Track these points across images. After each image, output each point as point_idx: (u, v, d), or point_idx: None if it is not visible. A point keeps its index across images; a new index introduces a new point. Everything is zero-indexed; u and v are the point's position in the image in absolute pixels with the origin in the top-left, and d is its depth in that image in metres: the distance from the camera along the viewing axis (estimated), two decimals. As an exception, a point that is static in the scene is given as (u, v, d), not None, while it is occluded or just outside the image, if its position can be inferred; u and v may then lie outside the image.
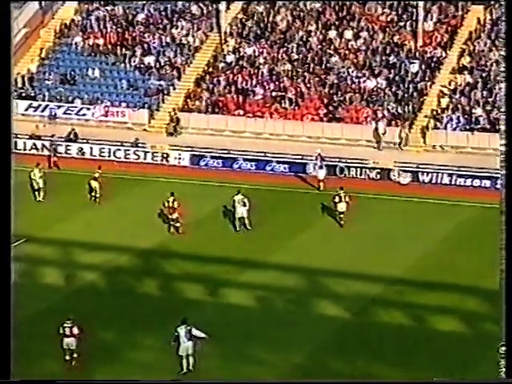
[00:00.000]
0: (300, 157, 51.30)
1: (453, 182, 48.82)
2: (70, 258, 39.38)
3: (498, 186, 47.93)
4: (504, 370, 21.56)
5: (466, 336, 32.89)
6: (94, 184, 45.13)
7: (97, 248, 39.97)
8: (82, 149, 53.75)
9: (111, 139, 54.36)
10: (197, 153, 52.75)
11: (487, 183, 48.31)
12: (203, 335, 29.32)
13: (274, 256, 39.26)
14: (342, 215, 42.30)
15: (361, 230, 42.33)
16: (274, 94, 56.17)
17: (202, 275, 37.43)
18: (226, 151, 52.61)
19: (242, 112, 55.73)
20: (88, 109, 57.91)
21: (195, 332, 29.20)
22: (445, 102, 53.85)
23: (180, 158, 52.89)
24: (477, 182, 48.56)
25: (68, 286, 36.90)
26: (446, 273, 37.42)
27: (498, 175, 48.03)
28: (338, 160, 50.34)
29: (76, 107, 58.17)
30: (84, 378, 28.79)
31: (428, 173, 49.37)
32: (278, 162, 51.35)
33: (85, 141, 54.41)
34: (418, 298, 35.35)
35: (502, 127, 22.41)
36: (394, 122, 53.41)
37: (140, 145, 53.89)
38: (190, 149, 53.13)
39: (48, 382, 23.72)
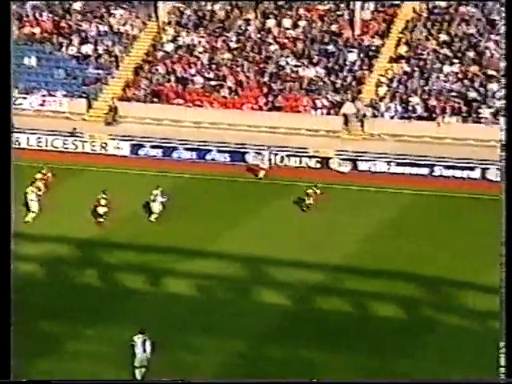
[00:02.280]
0: (240, 146, 51.36)
1: (391, 170, 49.27)
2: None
3: (436, 174, 48.66)
4: (504, 369, 21.74)
5: (405, 322, 33.29)
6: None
7: (35, 239, 39.58)
8: (18, 139, 53.12)
9: (48, 129, 53.85)
10: (136, 142, 52.51)
11: (425, 171, 48.85)
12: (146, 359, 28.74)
13: (215, 245, 39.30)
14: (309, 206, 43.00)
15: (301, 219, 42.59)
16: (213, 82, 56.13)
17: (141, 265, 37.33)
18: (165, 140, 52.45)
19: (181, 101, 55.61)
20: (24, 98, 57.27)
21: (148, 344, 28.64)
22: (382, 90, 54.31)
23: (119, 148, 52.61)
24: (414, 170, 49.07)
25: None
26: (385, 260, 37.80)
27: (435, 162, 48.79)
28: (274, 149, 50.51)
29: (12, 97, 57.31)
30: (26, 370, 28.55)
31: (367, 161, 49.77)
32: (219, 151, 51.35)
33: (21, 131, 53.79)
34: (357, 285, 35.65)
35: (502, 121, 22.50)
36: (332, 111, 53.73)
37: (78, 134, 53.48)
38: (129, 138, 52.88)
39: (48, 381, 23.56)
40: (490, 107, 51.84)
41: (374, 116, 53.28)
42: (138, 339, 28.69)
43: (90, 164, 50.32)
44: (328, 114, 53.74)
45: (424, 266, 37.01)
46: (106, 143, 52.73)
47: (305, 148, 50.89)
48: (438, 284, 35.77)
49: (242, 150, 51.05)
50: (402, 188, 46.38)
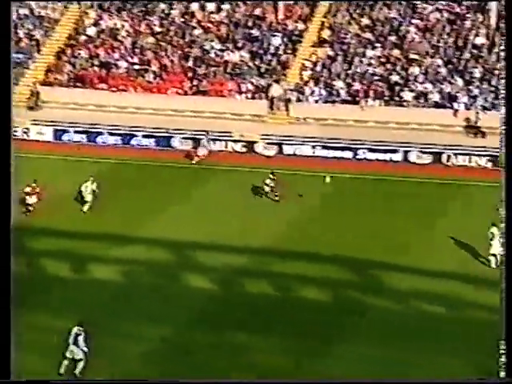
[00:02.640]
0: (165, 130, 51.21)
1: (316, 154, 49.61)
2: None
3: (359, 157, 49.12)
4: (504, 369, 21.33)
5: (330, 304, 33.59)
6: None
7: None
8: None
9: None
10: (59, 127, 51.96)
11: (349, 154, 49.29)
12: (83, 350, 27.96)
13: (141, 230, 39.17)
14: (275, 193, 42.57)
15: (226, 203, 42.66)
16: (137, 67, 55.78)
17: (68, 252, 37.04)
18: (89, 125, 52.01)
19: (105, 86, 55.18)
20: None
21: (80, 340, 27.97)
22: (307, 74, 54.57)
23: (42, 133, 52.03)
24: (339, 154, 49.46)
25: None
26: (311, 243, 38.06)
27: (359, 145, 49.29)
28: (203, 134, 50.44)
29: None
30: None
31: (292, 145, 50.02)
32: (144, 136, 51.13)
33: None
34: (284, 268, 35.87)
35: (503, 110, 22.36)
36: (257, 95, 53.83)
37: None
38: (52, 123, 52.28)
39: (48, 381, 23.31)
40: (411, 91, 52.45)
41: (299, 100, 53.52)
42: (73, 331, 28.24)
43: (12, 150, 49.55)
44: (253, 98, 53.83)
45: (348, 248, 37.39)
46: (28, 128, 52.08)
47: (230, 132, 50.93)
48: (362, 266, 36.18)
49: (167, 135, 50.91)
50: (326, 172, 46.68)
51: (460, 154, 48.49)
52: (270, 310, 32.76)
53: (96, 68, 56.00)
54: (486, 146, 48.85)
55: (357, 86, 53.18)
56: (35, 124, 52.37)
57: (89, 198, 41.27)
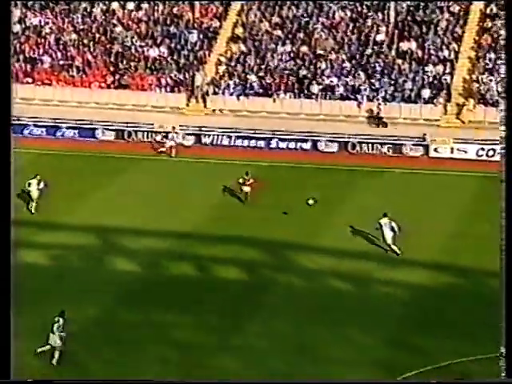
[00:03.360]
0: (89, 122, 50.73)
1: (232, 143, 49.69)
2: None
3: (272, 146, 49.37)
4: (504, 369, 20.62)
5: (247, 283, 33.78)
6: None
7: None
8: None
9: None
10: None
11: (262, 143, 49.50)
12: (59, 339, 27.49)
13: (68, 216, 38.73)
14: (247, 195, 40.82)
15: (150, 191, 42.47)
16: (61, 62, 55.02)
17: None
18: (15, 118, 51.03)
19: (30, 80, 54.31)
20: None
21: (55, 329, 27.49)
22: (222, 69, 54.55)
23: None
24: (253, 143, 49.64)
25: None
26: (229, 226, 38.13)
27: (271, 135, 49.51)
28: (125, 125, 50.14)
29: None
30: None
31: (209, 135, 50.01)
32: (68, 128, 50.52)
33: None
34: (203, 251, 35.87)
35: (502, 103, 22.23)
36: (176, 89, 53.64)
37: None
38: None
39: (48, 381, 22.44)
40: (319, 84, 52.84)
41: (215, 93, 53.48)
42: (56, 321, 27.63)
43: None
44: (172, 91, 53.61)
45: (264, 230, 37.59)
46: None
47: (151, 124, 50.67)
48: (276, 247, 36.40)
49: (91, 127, 50.45)
50: (241, 160, 46.83)
51: (364, 142, 49.05)
52: (190, 290, 32.78)
53: (21, 63, 55.04)
54: (388, 134, 49.64)
55: (269, 79, 53.37)
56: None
57: (35, 195, 39.84)
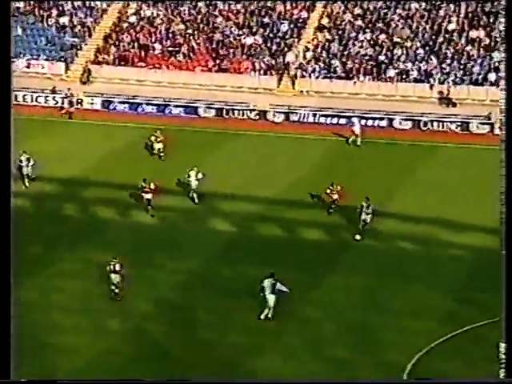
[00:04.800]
0: (193, 101, 51.10)
1: (316, 121, 49.39)
2: None
3: (355, 121, 48.69)
4: (504, 369, 18.80)
5: (327, 243, 33.67)
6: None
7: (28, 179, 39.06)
8: (8, 96, 51.80)
9: (33, 87, 52.89)
10: (106, 98, 51.83)
11: (343, 121, 49.03)
12: (285, 289, 26.99)
13: (171, 184, 39.14)
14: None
15: (245, 160, 42.54)
16: (170, 49, 55.43)
17: (113, 200, 37.12)
18: (131, 97, 51.91)
19: (143, 64, 54.92)
20: (12, 62, 55.78)
21: (279, 286, 26.99)
22: (309, 55, 54.13)
23: (93, 103, 51.93)
24: (335, 120, 49.23)
25: None
26: (313, 191, 37.93)
27: (352, 114, 49.01)
28: (224, 104, 50.35)
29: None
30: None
31: (297, 113, 49.81)
32: (175, 106, 51.01)
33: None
34: (289, 214, 35.87)
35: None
36: (268, 72, 53.53)
37: (58, 92, 52.57)
38: (100, 95, 52.14)
39: (48, 381, 20.08)
40: (395, 68, 52.00)
41: (303, 76, 53.16)
42: (266, 282, 27.03)
43: (67, 117, 49.70)
44: (265, 74, 53.51)
45: (350, 197, 37.18)
46: (81, 99, 51.98)
47: (246, 103, 50.74)
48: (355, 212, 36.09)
49: (194, 105, 50.82)
50: (324, 135, 46.56)
51: (435, 120, 48.20)
52: (278, 249, 32.89)
53: (136, 50, 55.67)
54: (457, 113, 48.65)
55: (350, 64, 52.76)
56: (87, 96, 52.25)
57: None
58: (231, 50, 54.79)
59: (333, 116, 49.32)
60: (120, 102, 51.62)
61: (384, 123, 48.63)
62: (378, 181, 39.38)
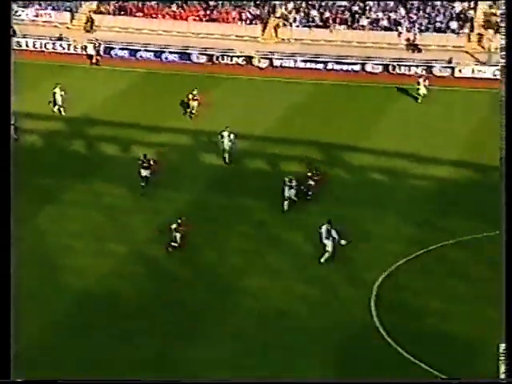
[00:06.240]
0: (186, 48, 49.96)
1: (297, 66, 48.50)
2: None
3: (329, 68, 47.92)
4: (504, 370, 16.98)
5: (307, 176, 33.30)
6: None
7: (37, 117, 38.22)
8: (19, 42, 50.60)
9: (41, 35, 51.52)
10: (108, 45, 50.56)
11: (321, 66, 48.17)
12: (342, 242, 25.67)
13: (169, 122, 38.43)
14: None
15: (233, 102, 41.76)
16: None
17: (116, 137, 36.47)
18: (130, 44, 50.69)
19: (141, 14, 53.49)
20: (23, 11, 54.34)
21: (333, 233, 25.73)
22: (290, 6, 52.85)
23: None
24: (312, 65, 48.35)
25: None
26: (291, 130, 37.49)
27: (328, 59, 48.12)
28: (214, 51, 49.25)
29: (12, 9, 54.19)
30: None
31: (279, 59, 48.87)
32: (170, 53, 49.85)
33: (21, 36, 51.27)
34: (275, 150, 35.40)
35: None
36: (253, 22, 52.30)
37: (64, 39, 51.23)
38: (103, 42, 50.83)
39: (48, 382, 18.08)
40: (367, 18, 50.94)
41: (284, 25, 52.00)
42: (322, 228, 25.89)
43: (74, 62, 48.53)
44: (251, 23, 52.29)
45: (321, 135, 36.86)
46: (85, 46, 50.68)
47: (234, 50, 49.68)
48: (329, 148, 35.72)
49: (187, 52, 49.69)
50: (303, 79, 45.73)
51: (402, 65, 47.48)
52: (261, 180, 32.43)
53: (134, 1, 54.13)
54: (422, 58, 47.98)
55: (327, 14, 51.61)
56: (91, 43, 50.93)
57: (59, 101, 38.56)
58: (220, 2, 53.35)
59: (311, 61, 48.42)
60: (120, 49, 50.38)
61: (357, 68, 47.82)
62: (353, 119, 38.92)
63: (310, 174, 30.21)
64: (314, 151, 35.14)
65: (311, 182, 30.10)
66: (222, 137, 33.74)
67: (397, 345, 22.26)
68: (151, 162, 30.93)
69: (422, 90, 41.70)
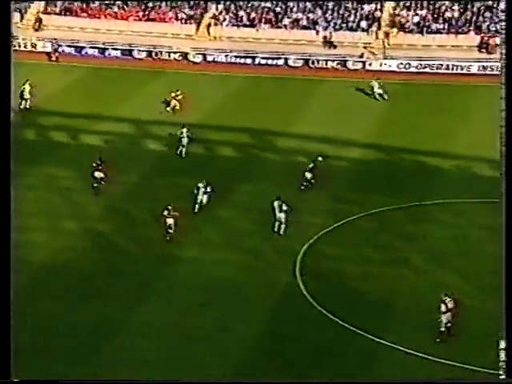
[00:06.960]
0: (128, 45, 49.24)
1: (228, 61, 48.39)
2: None
3: (256, 62, 47.97)
4: (504, 369, 15.30)
5: (238, 159, 33.31)
6: None
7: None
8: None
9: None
10: (56, 43, 49.31)
11: (249, 61, 48.18)
12: (286, 208, 25.81)
13: (115, 111, 37.86)
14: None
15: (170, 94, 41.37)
16: (107, 2, 52.83)
17: (65, 126, 35.75)
18: (76, 41, 49.59)
19: (85, 14, 52.31)
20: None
21: (284, 207, 25.86)
22: (220, 7, 52.56)
23: (44, 47, 49.37)
24: (242, 60, 48.28)
25: None
26: (225, 118, 37.43)
27: (255, 54, 48.18)
28: (153, 47, 48.69)
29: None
30: None
31: (212, 55, 48.69)
32: (113, 49, 49.04)
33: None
34: (209, 136, 35.31)
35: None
36: (188, 21, 51.88)
37: (14, 37, 49.64)
38: (50, 40, 49.58)
39: (49, 382, 16.74)
40: (289, 17, 51.21)
41: (216, 24, 51.73)
42: (275, 203, 25.97)
43: (24, 58, 47.16)
44: (185, 23, 51.87)
45: (258, 121, 36.73)
46: (35, 44, 49.32)
47: (171, 46, 49.22)
48: (258, 133, 35.86)
49: (129, 48, 48.98)
50: (237, 73, 45.73)
51: (320, 60, 48.06)
52: (198, 165, 32.32)
53: (79, 2, 52.87)
54: (336, 53, 48.65)
55: (253, 14, 51.61)
56: (40, 40, 49.58)
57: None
58: (157, 3, 52.61)
59: (241, 57, 48.42)
60: (67, 46, 49.22)
61: (281, 62, 48.13)
62: (278, 108, 39.18)
63: None
64: (245, 136, 35.31)
65: None
66: (181, 133, 33.22)
67: (317, 304, 22.74)
68: (103, 165, 29.50)
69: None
